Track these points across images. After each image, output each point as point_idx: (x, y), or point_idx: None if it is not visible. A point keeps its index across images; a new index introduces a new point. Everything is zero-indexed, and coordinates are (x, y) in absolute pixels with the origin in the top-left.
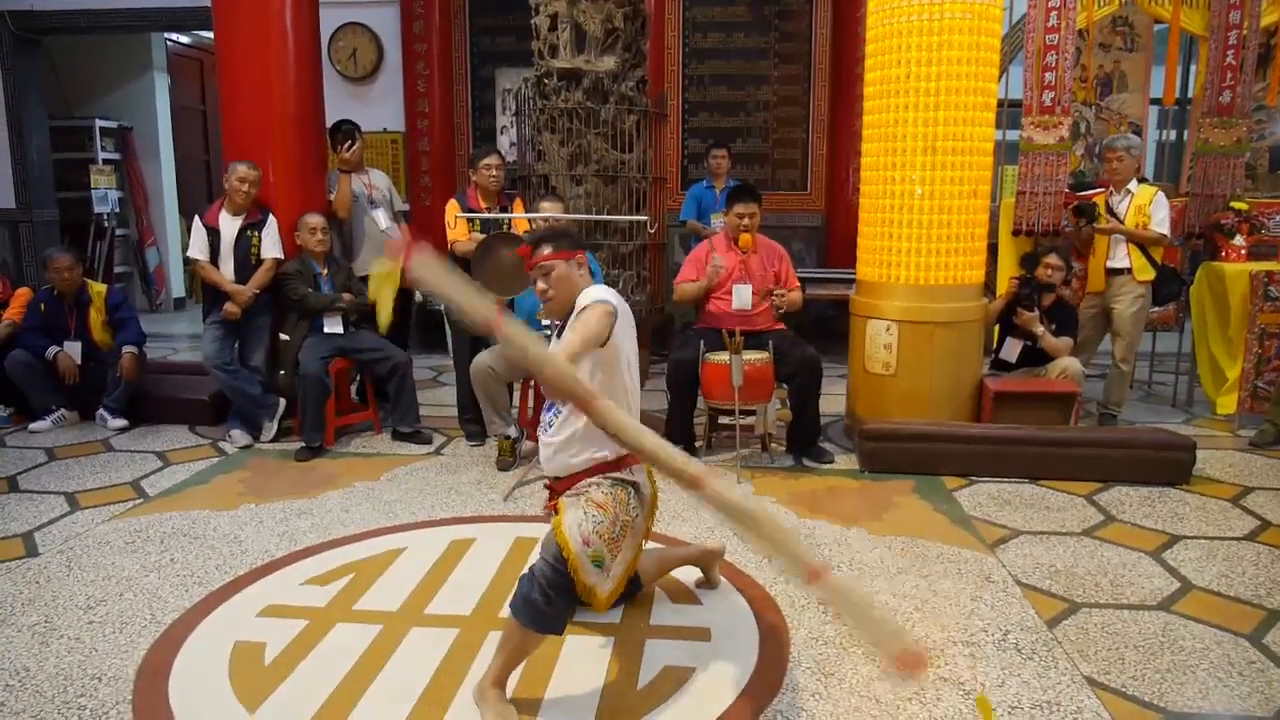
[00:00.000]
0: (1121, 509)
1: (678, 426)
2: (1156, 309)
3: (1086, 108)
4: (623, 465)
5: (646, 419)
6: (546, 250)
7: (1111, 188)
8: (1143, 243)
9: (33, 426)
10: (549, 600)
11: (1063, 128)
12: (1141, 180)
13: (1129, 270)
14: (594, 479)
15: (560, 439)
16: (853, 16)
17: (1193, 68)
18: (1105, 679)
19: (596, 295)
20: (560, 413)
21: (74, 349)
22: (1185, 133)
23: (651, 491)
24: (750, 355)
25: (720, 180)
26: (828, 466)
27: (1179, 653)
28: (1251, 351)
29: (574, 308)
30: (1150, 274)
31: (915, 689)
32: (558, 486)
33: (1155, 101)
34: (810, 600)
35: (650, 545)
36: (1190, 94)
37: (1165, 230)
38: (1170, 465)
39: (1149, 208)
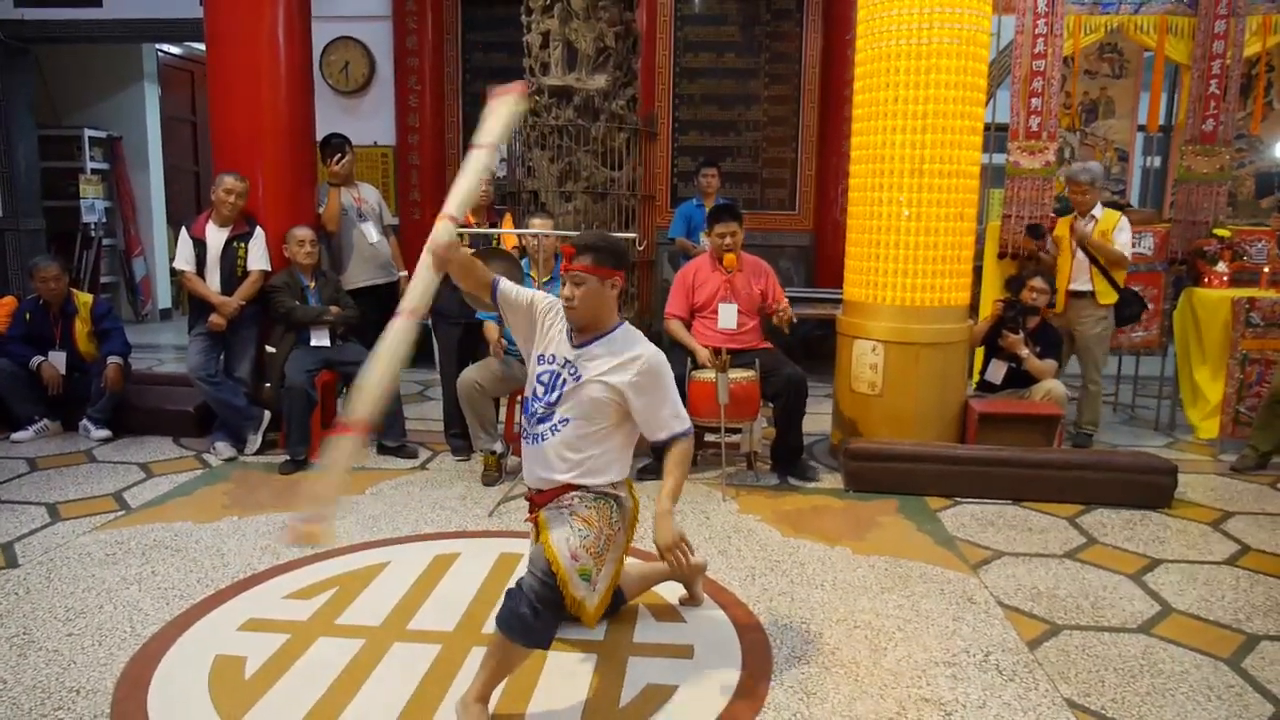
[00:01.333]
0: (1103, 532)
1: None
2: (1140, 334)
3: (1071, 134)
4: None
5: None
6: (586, 260)
7: (1077, 212)
8: (1106, 257)
9: (15, 436)
10: (537, 614)
11: (1048, 152)
12: (1110, 205)
13: (1091, 294)
14: (576, 493)
15: (544, 451)
16: (842, 39)
17: (1178, 95)
18: (1085, 701)
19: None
20: (550, 423)
21: (58, 359)
22: (1169, 159)
23: (632, 505)
24: (736, 374)
25: (710, 199)
26: (812, 485)
27: (1159, 676)
28: (1233, 377)
29: (603, 329)
30: (1113, 297)
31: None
32: (538, 499)
33: (1144, 128)
34: (793, 619)
35: (632, 560)
36: (1175, 121)
37: (1127, 252)
38: (1152, 489)
39: (1113, 232)
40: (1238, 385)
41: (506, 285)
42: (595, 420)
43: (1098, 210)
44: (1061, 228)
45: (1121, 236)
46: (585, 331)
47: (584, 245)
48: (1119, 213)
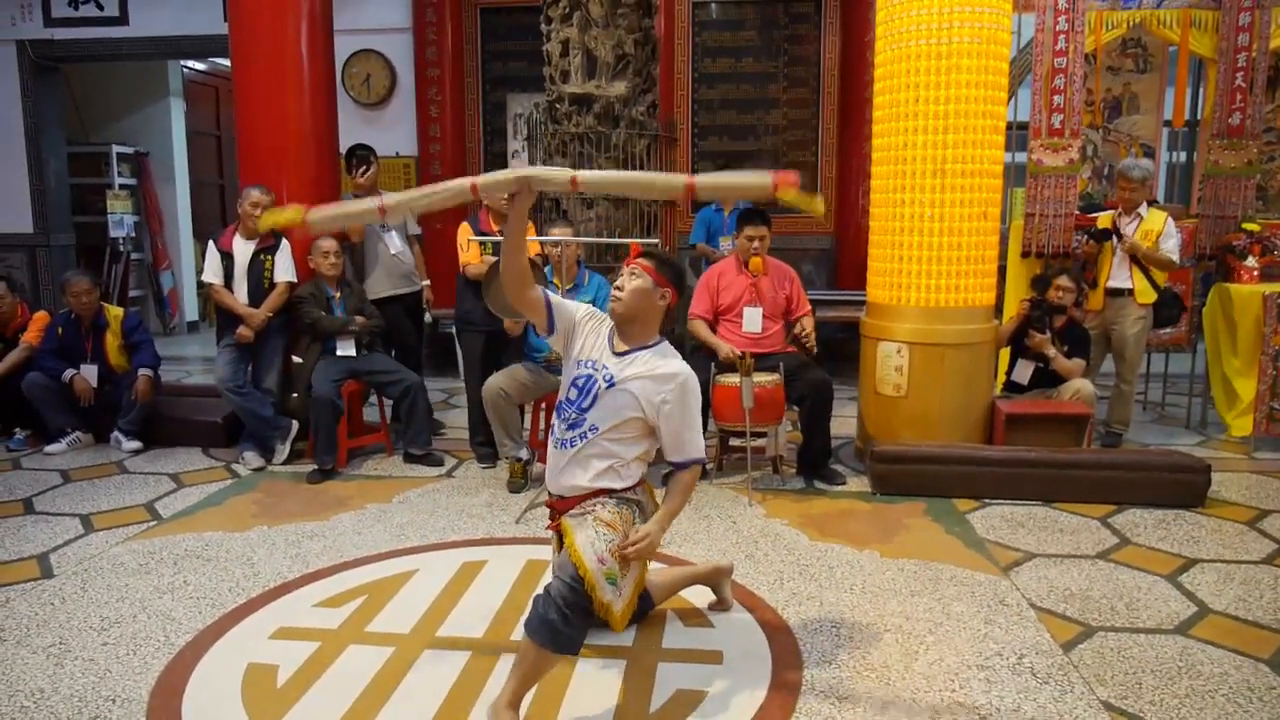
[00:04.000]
0: (1136, 532)
1: None
2: (1168, 331)
3: (1094, 131)
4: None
5: None
6: (648, 261)
7: (1121, 209)
8: (1154, 265)
9: (48, 449)
10: (566, 620)
11: (1072, 150)
12: (1153, 204)
13: (1131, 292)
14: (598, 499)
15: (570, 457)
16: (861, 40)
17: (1203, 89)
18: (1123, 704)
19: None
20: (579, 430)
21: (90, 372)
22: (1195, 154)
23: (653, 510)
24: (761, 378)
25: (729, 204)
26: (839, 489)
27: (1197, 678)
28: (1266, 373)
29: (645, 342)
30: (1152, 296)
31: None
32: (560, 505)
33: (1169, 123)
34: (823, 623)
35: (658, 566)
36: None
37: (1175, 257)
38: (1185, 488)
39: (1159, 238)
40: (1271, 381)
41: (556, 298)
42: (622, 429)
43: (1143, 209)
44: (1104, 221)
45: (1169, 243)
46: (624, 334)
47: (652, 253)
48: (1165, 213)
